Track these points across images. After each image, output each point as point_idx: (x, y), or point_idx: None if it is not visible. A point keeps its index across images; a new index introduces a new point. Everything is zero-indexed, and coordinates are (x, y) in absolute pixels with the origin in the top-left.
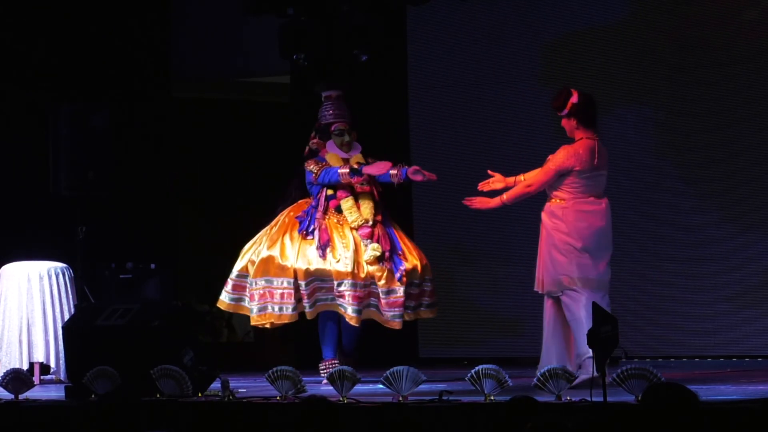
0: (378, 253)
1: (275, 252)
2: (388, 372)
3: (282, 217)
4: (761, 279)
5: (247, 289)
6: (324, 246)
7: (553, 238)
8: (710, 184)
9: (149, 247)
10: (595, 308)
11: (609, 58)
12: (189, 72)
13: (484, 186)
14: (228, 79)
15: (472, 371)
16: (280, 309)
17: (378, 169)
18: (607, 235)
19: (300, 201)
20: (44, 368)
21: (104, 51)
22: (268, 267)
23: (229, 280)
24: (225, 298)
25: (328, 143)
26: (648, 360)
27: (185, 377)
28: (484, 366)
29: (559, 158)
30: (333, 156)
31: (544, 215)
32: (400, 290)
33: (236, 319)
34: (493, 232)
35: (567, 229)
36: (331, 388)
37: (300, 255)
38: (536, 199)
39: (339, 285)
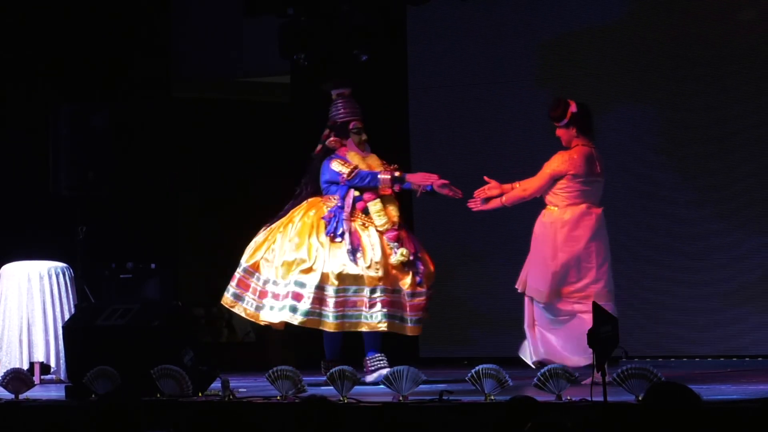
0: (405, 259)
1: (303, 254)
2: (388, 372)
3: (298, 216)
4: (761, 278)
5: (252, 288)
6: (355, 250)
7: (537, 247)
8: (710, 182)
9: (149, 247)
10: (596, 308)
11: (607, 57)
12: (189, 72)
13: (480, 193)
14: (228, 79)
15: (473, 371)
16: (293, 310)
17: (422, 178)
18: (598, 245)
19: (312, 199)
20: (44, 368)
21: (104, 51)
22: (292, 269)
23: (235, 274)
24: (227, 293)
25: (348, 142)
26: (648, 360)
27: (185, 377)
28: (484, 366)
29: (554, 163)
30: (355, 155)
31: (536, 223)
32: (423, 293)
33: (236, 319)
34: (494, 231)
35: (551, 240)
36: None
37: (331, 258)
38: (537, 200)
39: (372, 292)
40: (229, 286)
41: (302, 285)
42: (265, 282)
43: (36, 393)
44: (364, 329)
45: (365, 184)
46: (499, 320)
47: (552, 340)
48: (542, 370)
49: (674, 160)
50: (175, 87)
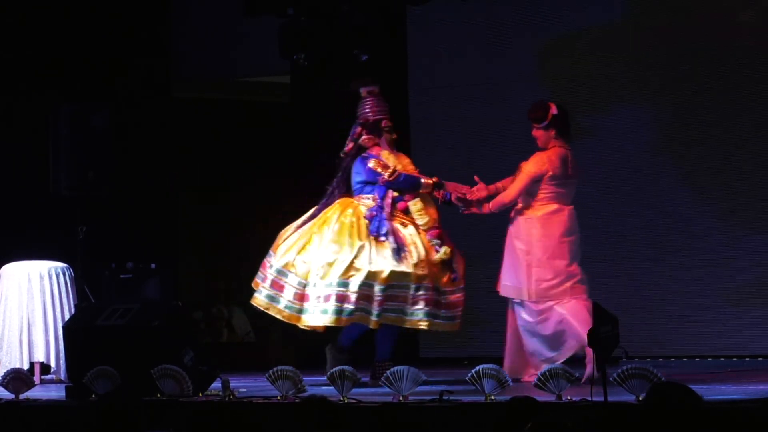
0: (448, 257)
1: (345, 254)
2: (388, 372)
3: (334, 216)
4: (761, 277)
5: (286, 289)
6: (401, 249)
7: (512, 245)
8: (710, 181)
9: (149, 247)
10: (596, 308)
11: (607, 57)
12: (189, 72)
13: (471, 195)
14: (228, 79)
15: (473, 371)
16: (338, 312)
17: (453, 188)
18: (570, 241)
19: (343, 199)
20: (44, 368)
21: (104, 51)
22: (333, 269)
23: (267, 275)
24: (260, 295)
25: (381, 140)
26: (648, 360)
27: (185, 377)
28: (485, 366)
29: (532, 164)
30: (389, 155)
31: (510, 223)
32: (461, 290)
33: (236, 319)
34: (492, 232)
35: (525, 237)
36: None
37: (377, 257)
38: None
39: (417, 289)
40: (260, 288)
41: (345, 285)
42: (303, 285)
43: (36, 393)
44: (406, 325)
45: (406, 187)
46: (499, 320)
47: (536, 344)
48: (542, 370)
49: (674, 160)
50: (175, 87)
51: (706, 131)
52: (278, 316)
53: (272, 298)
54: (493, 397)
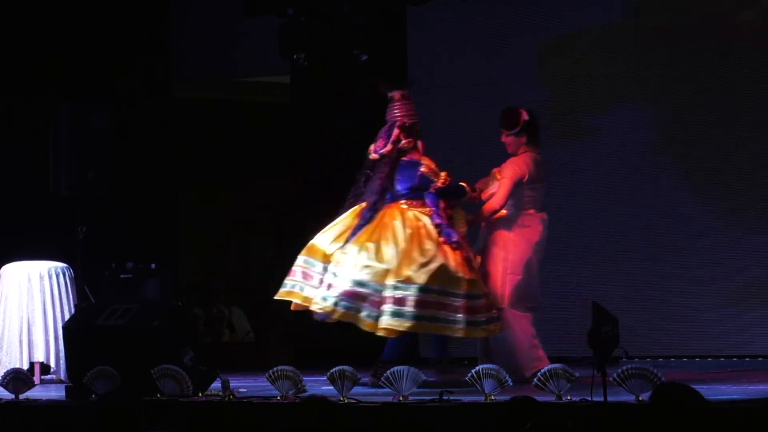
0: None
1: (430, 260)
2: (388, 372)
3: (397, 222)
4: (761, 277)
5: (370, 299)
6: (470, 256)
7: (489, 253)
8: (710, 181)
9: (149, 247)
10: (596, 308)
11: (607, 57)
12: (189, 72)
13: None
14: (228, 79)
15: (473, 371)
16: (418, 318)
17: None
18: (540, 252)
19: (393, 204)
20: (44, 368)
21: (104, 51)
22: (413, 274)
23: (335, 285)
24: (340, 307)
25: (420, 145)
26: (648, 360)
27: (185, 377)
28: (485, 366)
29: (511, 169)
30: (430, 160)
31: (487, 231)
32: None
33: (236, 319)
34: None
35: (503, 243)
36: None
37: (455, 264)
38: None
39: (484, 296)
40: (335, 300)
41: (427, 290)
42: (380, 290)
43: (36, 393)
44: (481, 335)
45: (453, 194)
46: None
47: (505, 352)
48: (542, 370)
49: (674, 160)
50: (175, 87)
51: (706, 131)
52: (364, 327)
53: (354, 309)
54: (493, 397)
